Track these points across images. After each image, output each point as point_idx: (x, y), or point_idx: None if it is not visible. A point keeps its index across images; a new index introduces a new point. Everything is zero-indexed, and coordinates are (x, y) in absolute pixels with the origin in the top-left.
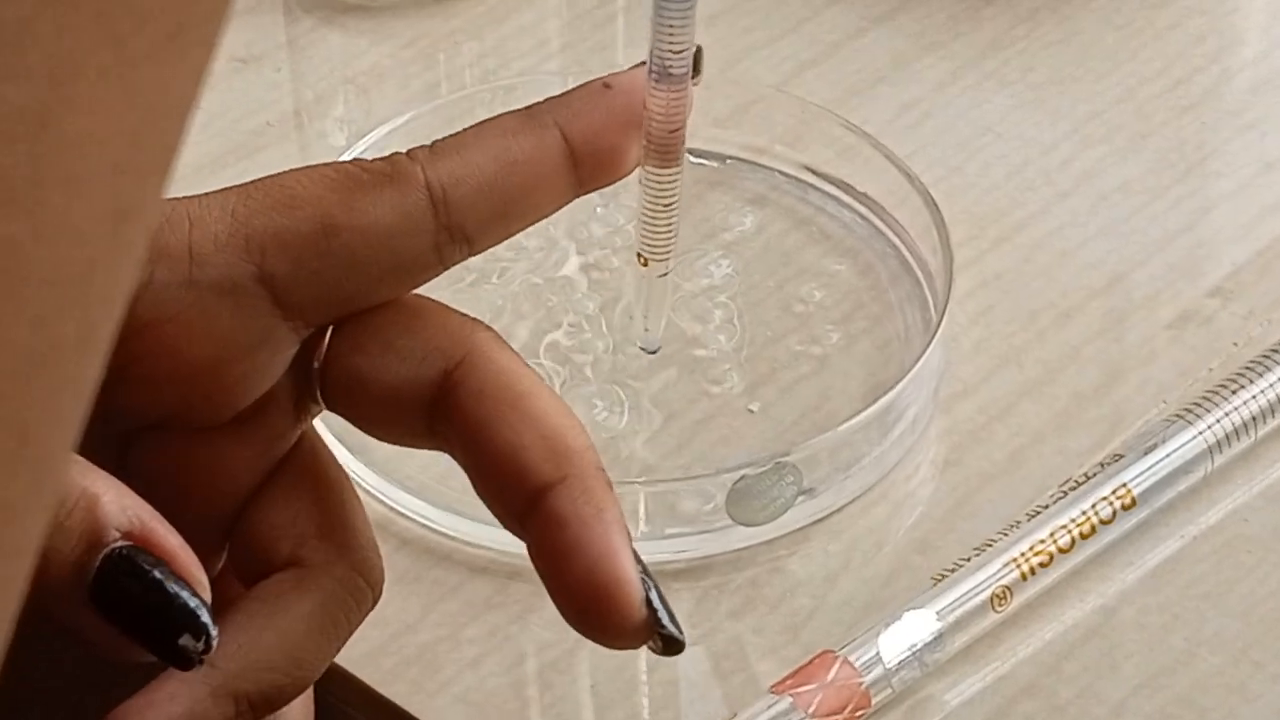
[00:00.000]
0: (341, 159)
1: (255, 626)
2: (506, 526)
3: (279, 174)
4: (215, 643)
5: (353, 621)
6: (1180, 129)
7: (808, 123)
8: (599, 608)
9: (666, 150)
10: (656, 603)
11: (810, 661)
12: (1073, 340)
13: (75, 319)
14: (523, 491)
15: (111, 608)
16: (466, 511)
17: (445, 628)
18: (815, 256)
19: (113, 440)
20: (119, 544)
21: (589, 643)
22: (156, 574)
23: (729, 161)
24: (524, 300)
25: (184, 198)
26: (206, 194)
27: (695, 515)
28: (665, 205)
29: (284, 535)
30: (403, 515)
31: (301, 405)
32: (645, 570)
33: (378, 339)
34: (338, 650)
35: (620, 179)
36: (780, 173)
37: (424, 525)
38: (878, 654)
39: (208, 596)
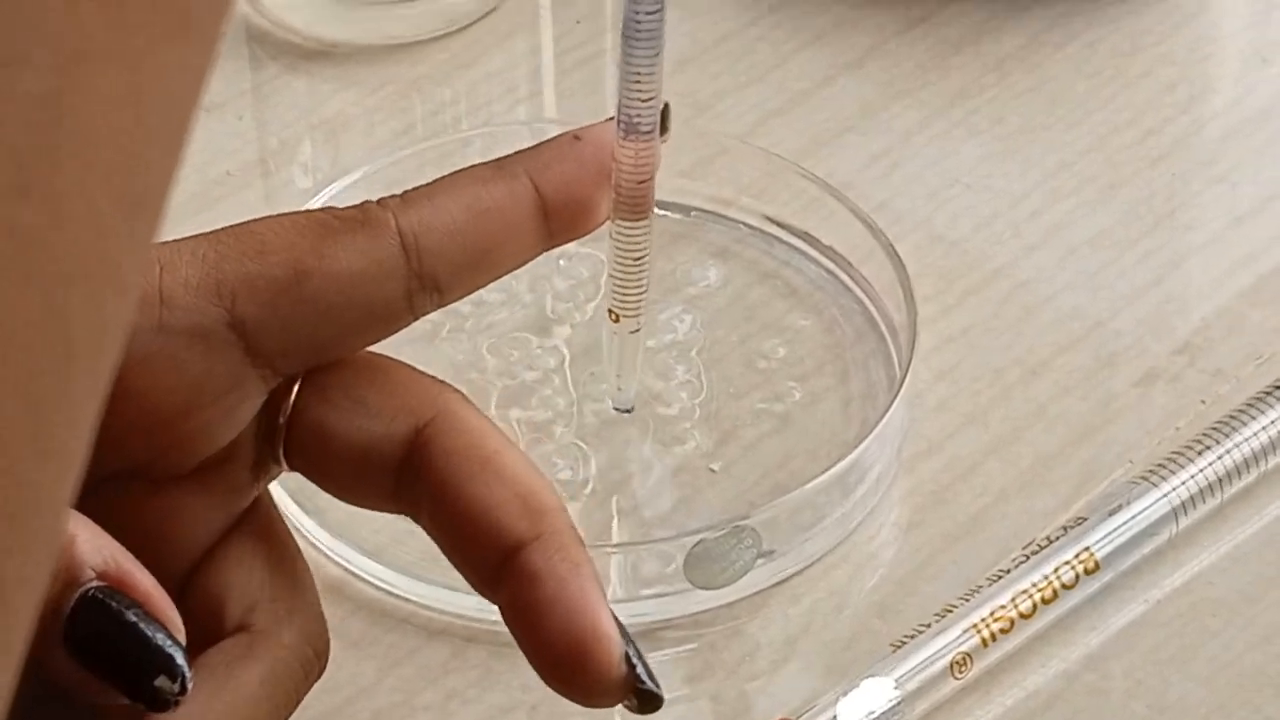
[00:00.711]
0: (308, 207)
1: (204, 695)
2: (477, 588)
3: (250, 221)
4: (190, 685)
5: (300, 691)
6: (1151, 180)
7: (773, 174)
8: (577, 663)
9: (635, 203)
10: (635, 658)
11: None
12: (1039, 398)
13: (89, 308)
14: (496, 550)
15: (86, 648)
16: (423, 575)
17: (400, 693)
18: (779, 312)
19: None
20: (93, 584)
21: (546, 709)
22: (131, 615)
23: (693, 214)
24: (484, 355)
25: (155, 243)
26: (177, 240)
27: (655, 578)
28: (635, 259)
29: (235, 598)
30: (359, 578)
31: (261, 463)
32: (622, 627)
33: (347, 395)
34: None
35: (590, 231)
36: (745, 225)
37: (380, 588)
38: None
39: (183, 639)
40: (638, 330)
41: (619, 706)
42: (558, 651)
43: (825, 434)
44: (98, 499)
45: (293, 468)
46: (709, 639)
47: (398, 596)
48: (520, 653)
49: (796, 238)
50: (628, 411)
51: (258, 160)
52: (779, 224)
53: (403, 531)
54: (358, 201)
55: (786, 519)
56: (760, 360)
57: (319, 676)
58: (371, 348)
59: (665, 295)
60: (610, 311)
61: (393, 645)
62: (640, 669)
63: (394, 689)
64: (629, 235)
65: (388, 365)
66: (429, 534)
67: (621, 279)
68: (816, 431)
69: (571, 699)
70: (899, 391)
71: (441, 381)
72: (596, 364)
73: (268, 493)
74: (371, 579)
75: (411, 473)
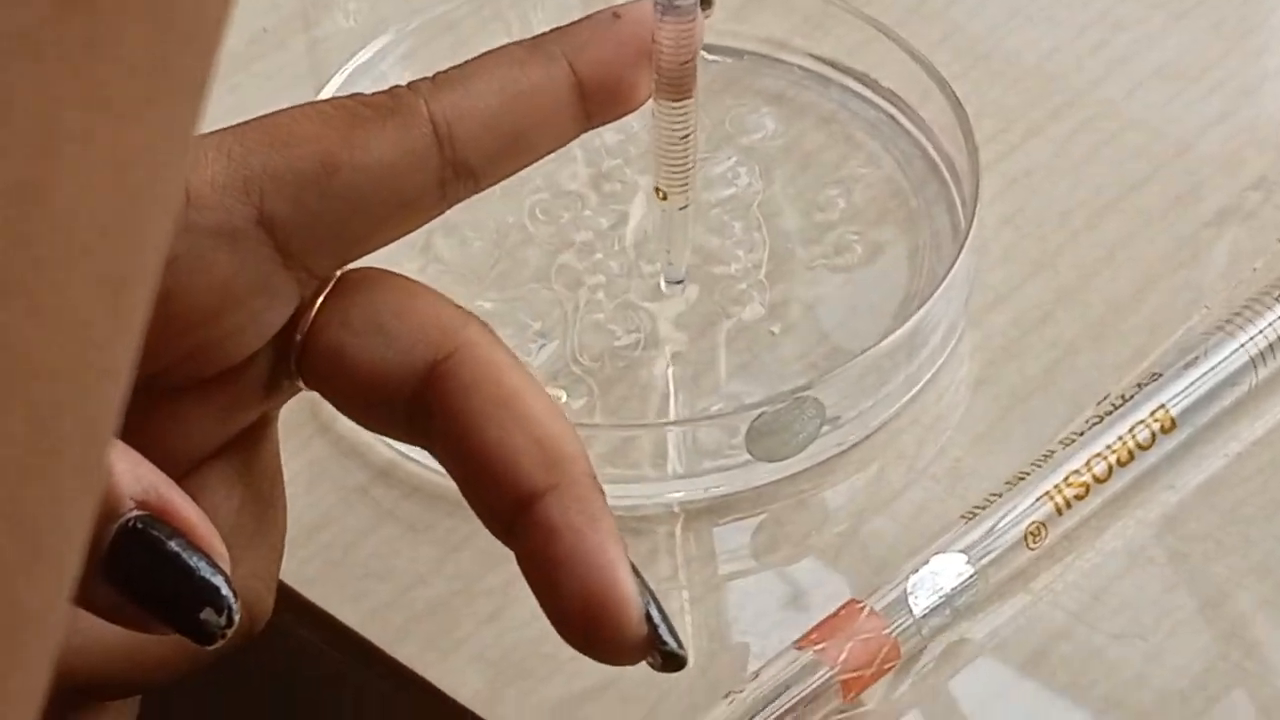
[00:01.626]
0: (354, 62)
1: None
2: (493, 532)
3: (275, 112)
4: (238, 617)
5: (205, 654)
6: (1220, 3)
7: (826, 13)
8: (595, 623)
9: (678, 83)
10: (656, 617)
11: (836, 612)
12: (1108, 241)
13: (78, 405)
14: (511, 497)
15: (128, 582)
16: None
17: (459, 580)
18: (838, 159)
19: None
20: (134, 514)
21: None
22: (174, 545)
23: (746, 58)
24: (532, 218)
25: None
26: (201, 135)
27: (716, 451)
28: (681, 137)
29: None
30: (411, 460)
31: (274, 381)
32: (644, 583)
33: (366, 318)
34: (185, 671)
35: (630, 112)
36: (799, 68)
37: (435, 471)
38: (906, 602)
39: (228, 568)
40: (686, 206)
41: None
42: (574, 609)
43: (888, 288)
44: None
45: (309, 387)
46: (774, 512)
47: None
48: None
49: (852, 79)
50: (678, 283)
51: (297, 13)
52: (834, 65)
53: None
54: (404, 59)
55: (851, 385)
56: (819, 212)
57: (245, 639)
58: (400, 270)
59: (719, 146)
60: (657, 189)
61: (450, 530)
62: (662, 628)
63: (452, 577)
64: (672, 115)
65: (412, 291)
66: (446, 470)
67: (667, 158)
68: (879, 286)
69: (590, 656)
70: (964, 242)
71: (466, 312)
72: (652, 224)
73: (275, 428)
74: (425, 462)
75: (428, 406)
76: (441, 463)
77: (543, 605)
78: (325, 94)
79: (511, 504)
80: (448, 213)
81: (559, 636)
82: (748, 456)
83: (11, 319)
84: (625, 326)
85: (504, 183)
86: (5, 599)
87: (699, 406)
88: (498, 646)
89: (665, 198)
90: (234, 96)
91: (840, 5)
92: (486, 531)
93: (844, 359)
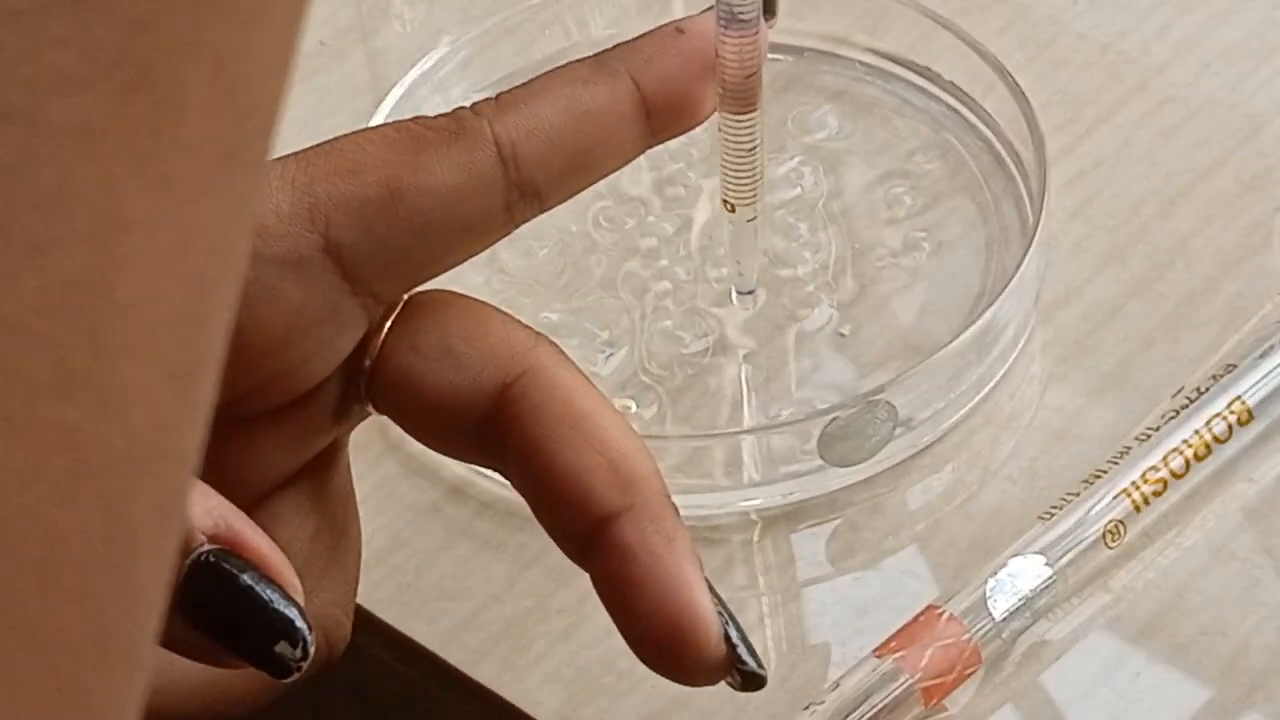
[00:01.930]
0: (415, 72)
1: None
2: (567, 554)
3: (338, 138)
4: (313, 649)
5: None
6: None
7: (884, 7)
8: (674, 644)
9: (743, 96)
10: (735, 636)
11: (915, 619)
12: (1180, 230)
13: (150, 494)
14: (586, 519)
15: (202, 616)
16: None
17: (532, 598)
18: (902, 155)
19: None
20: (205, 548)
21: None
22: (247, 579)
23: (806, 54)
24: (596, 226)
25: None
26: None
27: (790, 457)
28: (747, 150)
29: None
30: (482, 476)
31: (344, 407)
32: (721, 602)
33: (436, 343)
34: (267, 702)
35: (695, 127)
36: (860, 63)
37: (505, 486)
38: (985, 607)
39: (302, 600)
40: (754, 219)
41: None
42: (653, 631)
43: (958, 286)
44: None
45: (379, 411)
46: (849, 517)
47: None
48: None
49: (914, 73)
50: (749, 293)
51: (354, 25)
52: (894, 60)
53: None
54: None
55: (922, 387)
56: (885, 210)
57: (325, 666)
58: (468, 292)
59: (782, 146)
60: (725, 202)
61: (522, 546)
62: (741, 648)
63: (524, 594)
64: (738, 128)
65: (480, 313)
66: (519, 492)
67: (734, 170)
68: (949, 284)
69: (669, 678)
70: (1034, 236)
71: (536, 333)
72: (717, 228)
73: (346, 452)
74: (495, 478)
75: (499, 429)
76: (514, 485)
77: (620, 627)
78: (387, 104)
79: (586, 526)
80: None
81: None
82: (821, 462)
83: (80, 414)
84: (693, 333)
85: None
86: (77, 692)
87: (770, 412)
88: (573, 665)
89: (733, 210)
90: (294, 110)
91: (901, 0)
92: (555, 549)
93: (915, 359)
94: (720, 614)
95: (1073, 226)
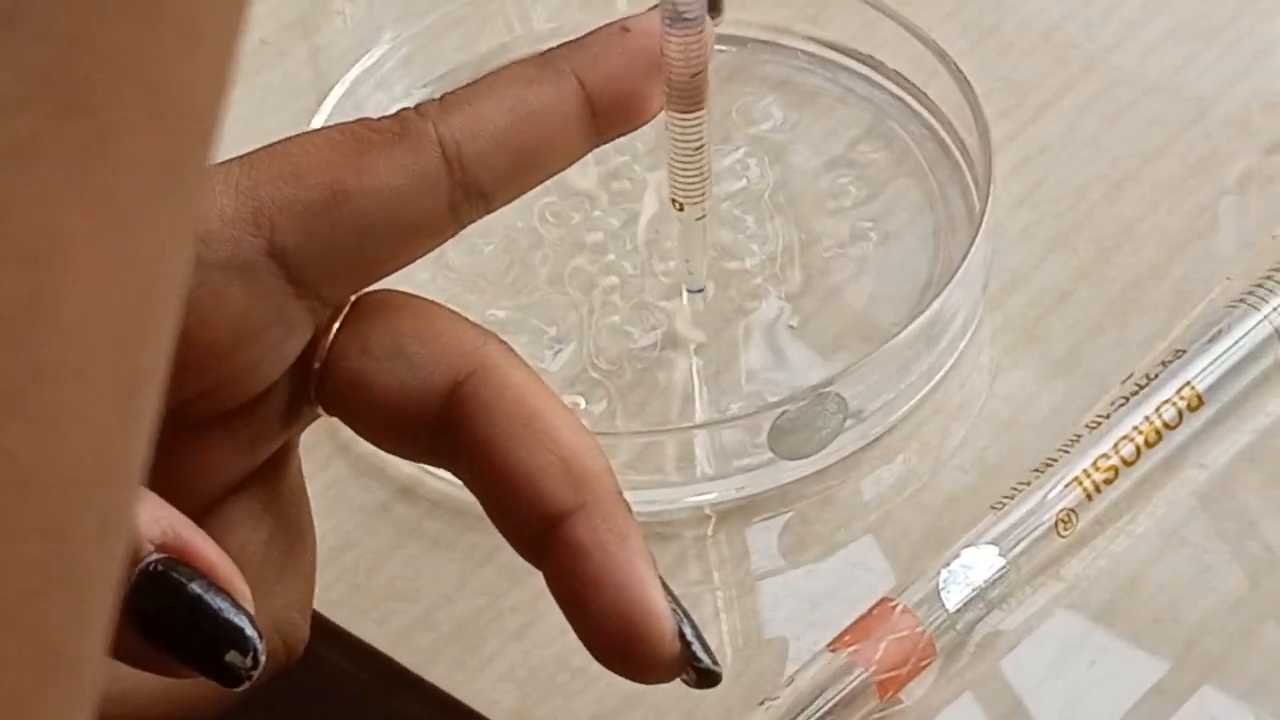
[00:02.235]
0: (358, 68)
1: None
2: (520, 553)
3: (281, 141)
4: (263, 657)
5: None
6: None
7: None
8: (628, 642)
9: (690, 94)
10: (690, 634)
11: (868, 612)
12: (1126, 215)
13: (92, 515)
14: (538, 517)
15: (151, 626)
16: None
17: (484, 597)
18: (847, 144)
19: None
20: (153, 557)
21: None
22: (195, 588)
23: (749, 45)
24: (542, 221)
25: None
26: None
27: (740, 451)
28: (694, 148)
29: (231, 556)
30: (431, 475)
31: (294, 409)
32: (675, 599)
33: (386, 343)
34: (223, 707)
35: (642, 125)
36: (802, 52)
37: (454, 485)
38: (939, 597)
39: (251, 608)
40: (703, 216)
41: None
42: (607, 629)
43: (906, 275)
44: None
45: (329, 413)
46: (801, 510)
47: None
48: None
49: (857, 62)
50: (699, 291)
51: (295, 22)
52: (837, 48)
53: None
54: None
55: (871, 378)
56: (831, 200)
57: (284, 669)
58: (414, 290)
59: (728, 137)
60: (674, 201)
61: (473, 545)
62: (696, 645)
63: (477, 592)
64: (685, 126)
65: (429, 311)
66: (471, 491)
67: (682, 168)
68: (896, 274)
69: (624, 676)
70: (980, 224)
71: (485, 331)
72: (664, 222)
73: (297, 454)
74: (445, 477)
75: (450, 428)
76: (466, 484)
77: (574, 626)
78: (329, 102)
79: (538, 524)
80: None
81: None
82: (772, 455)
83: (19, 437)
84: (642, 328)
85: None
86: (24, 715)
87: (721, 405)
88: (526, 664)
89: (682, 209)
90: (236, 109)
91: None
92: (507, 548)
93: (865, 349)
94: (674, 611)
95: (1019, 213)
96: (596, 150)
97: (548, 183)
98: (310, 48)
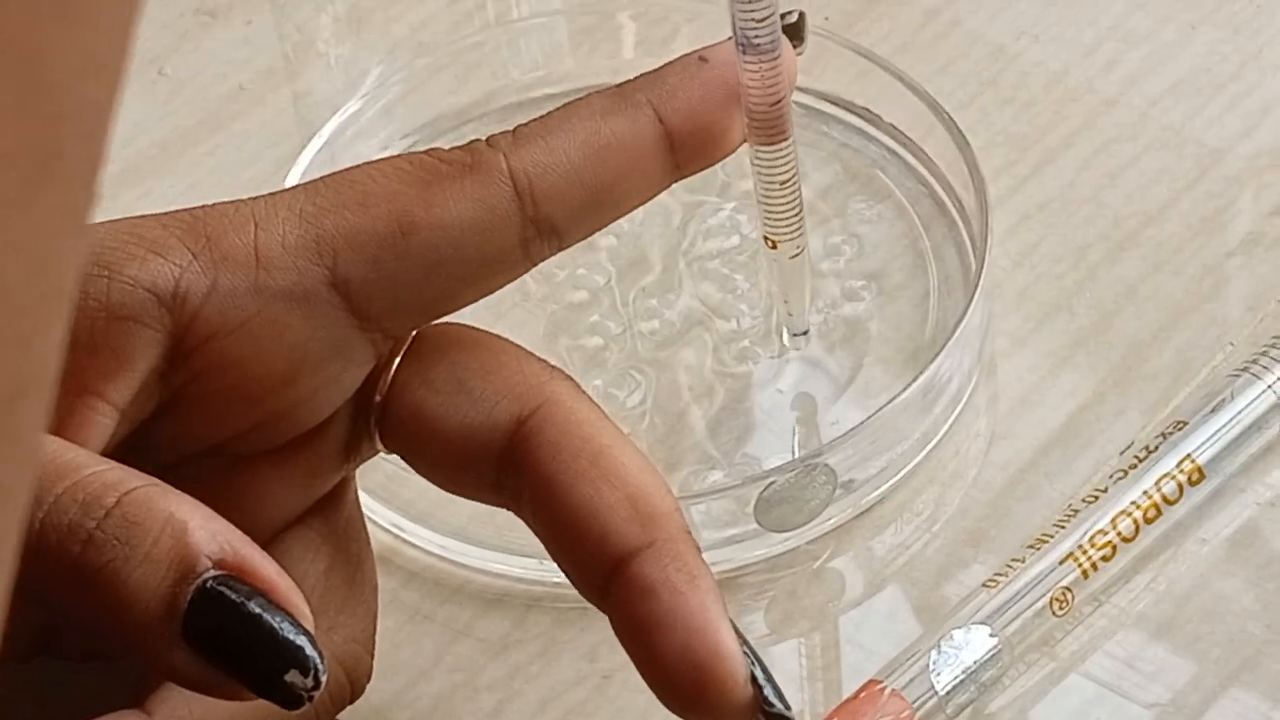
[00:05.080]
0: (341, 113)
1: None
2: (585, 595)
3: (349, 169)
4: (325, 678)
5: (322, 718)
6: (1233, 14)
7: (820, 46)
8: (699, 685)
9: (770, 126)
10: (761, 678)
11: (856, 694)
12: (1128, 277)
13: None
14: (605, 557)
15: (208, 644)
16: (476, 537)
17: (460, 673)
18: (841, 200)
19: (149, 471)
20: (211, 574)
21: (619, 680)
22: (254, 606)
23: None
24: (526, 280)
25: (248, 199)
26: (271, 194)
27: (727, 521)
28: (782, 182)
29: None
30: (409, 543)
31: (353, 443)
32: (746, 642)
33: (449, 377)
34: None
35: (723, 158)
36: (797, 104)
37: (435, 556)
38: (929, 679)
39: (312, 627)
40: (799, 254)
41: None
42: (677, 672)
43: (899, 338)
44: (177, 474)
45: (390, 449)
46: (788, 583)
47: (451, 561)
48: (587, 618)
49: (853, 114)
50: (803, 334)
51: (276, 67)
52: (832, 100)
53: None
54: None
55: (862, 447)
56: (824, 260)
57: (348, 703)
58: (478, 325)
59: (719, 193)
60: (766, 238)
61: (450, 618)
62: (768, 689)
63: (454, 668)
64: (770, 159)
65: (494, 345)
66: (534, 532)
67: (771, 204)
68: (890, 336)
69: None
70: (976, 286)
71: (551, 366)
72: (646, 277)
73: (354, 484)
74: (423, 547)
75: (514, 465)
76: (530, 525)
77: (641, 670)
78: (311, 148)
79: (604, 564)
80: None
81: (589, 657)
82: (758, 527)
83: None
84: (626, 390)
85: None
86: None
87: (705, 468)
88: None
89: (775, 246)
90: (215, 158)
91: (836, 39)
92: (484, 620)
93: (856, 416)
94: (745, 653)
95: (1017, 275)
96: None
97: None
98: (293, 92)
